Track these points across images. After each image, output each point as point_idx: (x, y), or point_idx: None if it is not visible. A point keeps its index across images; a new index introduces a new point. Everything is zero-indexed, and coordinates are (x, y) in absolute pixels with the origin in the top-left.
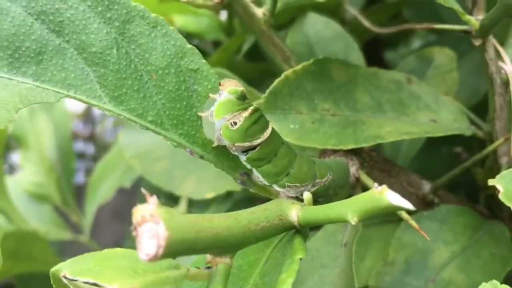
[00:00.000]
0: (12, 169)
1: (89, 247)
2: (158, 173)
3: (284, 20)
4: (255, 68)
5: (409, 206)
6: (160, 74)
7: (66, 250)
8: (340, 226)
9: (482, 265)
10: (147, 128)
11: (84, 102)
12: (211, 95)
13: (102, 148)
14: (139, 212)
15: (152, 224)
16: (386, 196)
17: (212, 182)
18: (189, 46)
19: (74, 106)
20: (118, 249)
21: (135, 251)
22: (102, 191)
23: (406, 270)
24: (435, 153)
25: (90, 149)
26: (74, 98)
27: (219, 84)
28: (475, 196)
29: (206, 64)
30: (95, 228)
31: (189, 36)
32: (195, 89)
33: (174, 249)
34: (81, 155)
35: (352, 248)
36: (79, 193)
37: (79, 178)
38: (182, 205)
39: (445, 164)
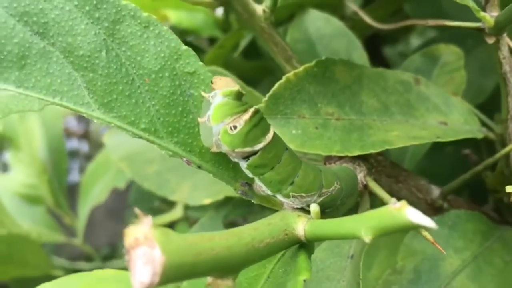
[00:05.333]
0: (5, 168)
1: (83, 249)
2: (149, 176)
3: (283, 17)
4: (253, 66)
5: (432, 224)
6: (153, 78)
7: (61, 252)
8: None
9: (495, 273)
10: (140, 137)
11: (71, 109)
12: (203, 94)
13: (96, 146)
14: (132, 233)
15: (146, 248)
16: (406, 213)
17: (208, 187)
18: (184, 47)
19: None
20: (108, 271)
21: (127, 272)
22: (95, 193)
23: (415, 279)
24: (442, 154)
25: (84, 147)
26: (61, 105)
27: (211, 83)
28: (480, 197)
29: (203, 67)
30: (90, 228)
31: (184, 32)
32: (191, 93)
33: (172, 276)
34: (75, 153)
35: (359, 261)
36: (73, 192)
37: (74, 176)
38: (178, 209)
39: (452, 164)
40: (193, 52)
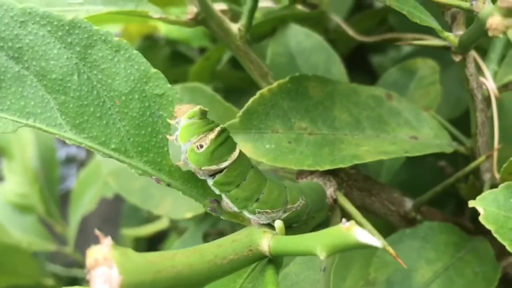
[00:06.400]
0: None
1: (74, 258)
2: (135, 191)
3: (265, 31)
4: (240, 76)
5: (378, 243)
6: (123, 100)
7: (56, 259)
8: None
9: (465, 284)
10: (110, 156)
11: (44, 130)
12: (169, 121)
13: (93, 152)
14: (93, 254)
15: (105, 268)
16: (354, 233)
17: (189, 201)
18: (153, 70)
19: None
20: None
21: None
22: (85, 200)
23: None
24: (420, 165)
25: (81, 153)
26: (33, 127)
27: (173, 112)
28: (462, 207)
29: (172, 89)
30: (84, 237)
31: (175, 43)
32: (160, 114)
33: None
34: (72, 160)
35: (330, 274)
36: (69, 200)
37: (71, 183)
38: (164, 219)
39: (430, 176)
40: (162, 75)
